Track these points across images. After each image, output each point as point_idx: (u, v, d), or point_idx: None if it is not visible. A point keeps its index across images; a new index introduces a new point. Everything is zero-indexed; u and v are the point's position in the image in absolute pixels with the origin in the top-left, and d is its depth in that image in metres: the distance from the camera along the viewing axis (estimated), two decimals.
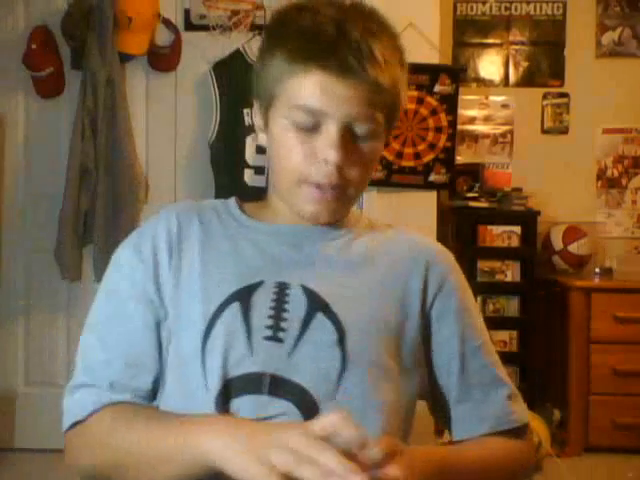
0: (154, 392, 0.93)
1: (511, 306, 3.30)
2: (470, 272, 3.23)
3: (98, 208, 2.87)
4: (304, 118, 0.90)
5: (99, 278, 2.82)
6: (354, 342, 0.89)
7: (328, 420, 0.72)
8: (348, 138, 0.90)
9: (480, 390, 0.98)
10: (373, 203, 2.95)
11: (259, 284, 0.92)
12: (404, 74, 0.96)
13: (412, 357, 0.95)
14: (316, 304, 0.91)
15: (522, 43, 3.71)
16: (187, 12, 3.04)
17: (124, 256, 0.98)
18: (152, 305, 0.93)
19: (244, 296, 0.91)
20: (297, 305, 0.90)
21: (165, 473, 0.82)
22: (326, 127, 0.90)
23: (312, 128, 0.90)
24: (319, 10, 0.91)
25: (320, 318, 0.90)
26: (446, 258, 1.03)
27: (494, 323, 3.17)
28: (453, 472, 0.88)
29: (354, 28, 0.89)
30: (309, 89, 0.89)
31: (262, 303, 0.90)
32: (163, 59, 3.03)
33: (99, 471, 0.91)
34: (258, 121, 0.99)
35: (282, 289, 0.92)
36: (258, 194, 1.04)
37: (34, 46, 2.92)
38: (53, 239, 2.89)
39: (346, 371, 0.87)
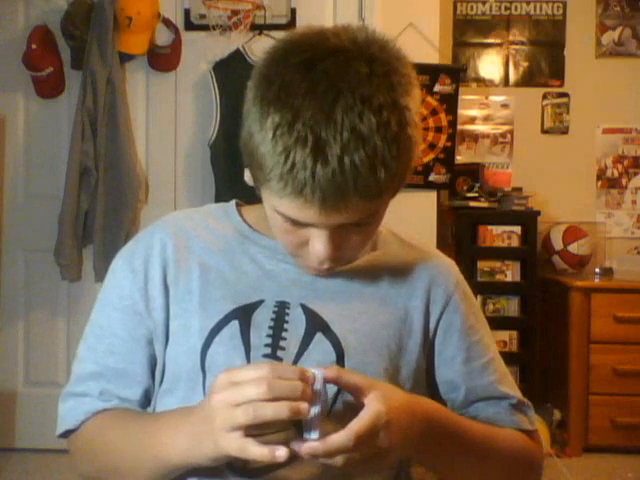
0: (147, 401, 0.94)
1: (511, 306, 3.30)
2: (470, 272, 3.23)
3: (98, 208, 2.87)
4: (290, 219, 0.82)
5: (99, 278, 2.82)
6: (352, 363, 0.88)
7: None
8: (341, 232, 0.83)
9: (484, 403, 0.98)
10: None
11: (259, 303, 0.91)
12: (416, 131, 0.81)
13: (411, 376, 0.94)
14: (316, 324, 0.90)
15: (522, 43, 3.71)
16: (187, 12, 3.04)
17: (117, 266, 0.98)
18: (140, 317, 0.93)
19: (243, 314, 0.90)
20: (297, 325, 0.90)
21: (155, 476, 0.84)
22: (315, 229, 0.82)
23: (301, 223, 0.82)
24: (299, 109, 0.75)
25: (319, 338, 0.89)
26: (450, 274, 1.00)
27: (494, 323, 3.12)
28: (443, 430, 0.86)
29: (339, 134, 0.74)
30: (289, 208, 0.80)
31: (262, 322, 0.90)
32: (163, 59, 3.03)
33: (99, 475, 0.93)
34: (248, 177, 0.90)
35: (282, 308, 0.91)
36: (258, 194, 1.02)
37: (34, 46, 2.92)
38: (53, 239, 2.89)
39: (343, 392, 0.85)
